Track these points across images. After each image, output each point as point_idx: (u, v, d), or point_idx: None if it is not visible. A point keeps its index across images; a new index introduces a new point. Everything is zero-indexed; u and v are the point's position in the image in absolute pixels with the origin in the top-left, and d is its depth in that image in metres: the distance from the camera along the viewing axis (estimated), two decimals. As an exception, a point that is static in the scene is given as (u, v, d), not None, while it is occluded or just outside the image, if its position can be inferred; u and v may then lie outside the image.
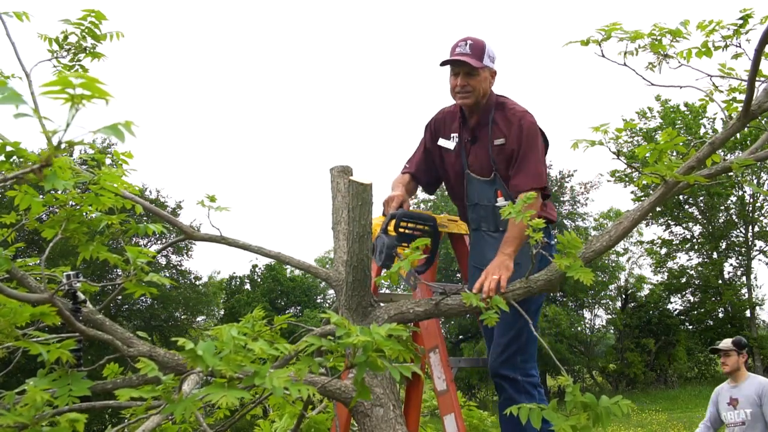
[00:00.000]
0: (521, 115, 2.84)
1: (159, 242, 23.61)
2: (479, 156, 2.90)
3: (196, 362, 1.27)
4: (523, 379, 2.81)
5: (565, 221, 29.50)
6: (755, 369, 26.40)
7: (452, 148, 3.02)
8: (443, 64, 2.85)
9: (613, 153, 2.31)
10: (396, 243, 2.57)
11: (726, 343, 4.92)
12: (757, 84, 2.24)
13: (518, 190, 2.70)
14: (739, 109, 2.32)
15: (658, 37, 2.42)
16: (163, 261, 25.97)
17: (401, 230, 2.54)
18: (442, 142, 3.05)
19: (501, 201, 2.82)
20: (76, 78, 0.98)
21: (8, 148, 1.86)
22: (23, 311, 1.77)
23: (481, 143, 2.91)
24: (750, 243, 27.80)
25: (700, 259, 28.72)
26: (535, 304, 2.82)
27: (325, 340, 1.53)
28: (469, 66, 2.81)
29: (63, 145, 1.03)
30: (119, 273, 2.45)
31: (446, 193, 3.28)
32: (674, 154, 2.34)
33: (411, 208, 2.94)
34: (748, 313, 27.33)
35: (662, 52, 2.45)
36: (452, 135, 3.05)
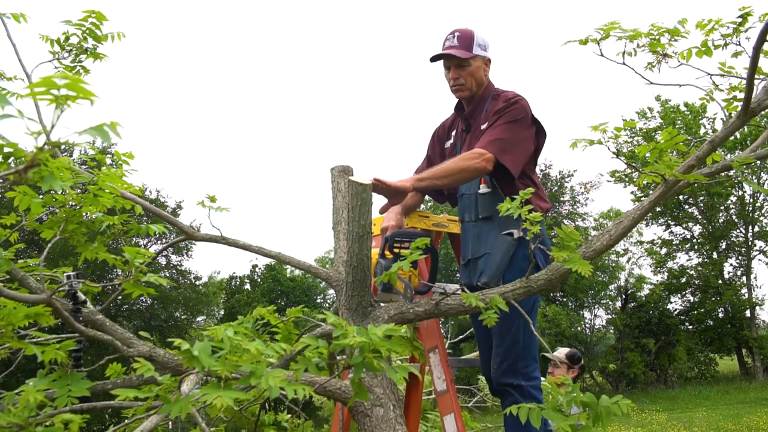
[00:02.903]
0: (510, 95, 2.84)
1: (159, 242, 23.62)
2: (471, 145, 2.89)
3: (192, 363, 1.27)
4: (527, 383, 2.78)
5: (565, 221, 29.50)
6: (755, 369, 26.43)
7: (451, 143, 3.05)
8: (432, 59, 2.86)
9: (613, 153, 2.31)
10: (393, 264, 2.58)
11: (559, 354, 4.74)
12: (756, 82, 2.23)
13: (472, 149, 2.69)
14: (739, 107, 2.32)
15: (656, 37, 2.42)
16: (163, 261, 25.98)
17: (396, 250, 2.55)
18: (446, 144, 3.09)
19: (483, 188, 2.82)
20: (61, 79, 0.98)
21: (6, 149, 1.85)
22: (18, 312, 1.77)
23: (474, 131, 2.91)
24: (750, 243, 27.80)
25: (700, 259, 28.72)
26: (527, 305, 2.75)
27: (322, 340, 1.53)
28: (456, 58, 2.83)
29: (49, 146, 1.03)
30: (119, 273, 2.45)
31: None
32: (674, 153, 2.34)
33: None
34: (748, 313, 27.32)
35: (661, 52, 2.45)
36: (452, 134, 3.08)
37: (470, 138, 2.92)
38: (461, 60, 2.83)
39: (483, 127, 2.83)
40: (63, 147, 1.08)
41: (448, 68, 2.90)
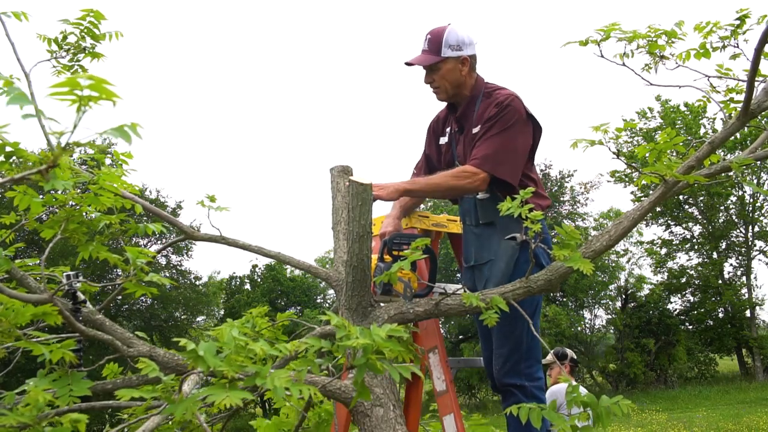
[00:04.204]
0: (501, 99, 2.75)
1: (159, 242, 23.60)
2: (465, 148, 2.87)
3: (197, 363, 1.27)
4: (530, 384, 2.78)
5: (565, 221, 29.49)
6: (755, 369, 26.43)
7: (446, 142, 3.01)
8: (407, 64, 2.83)
9: (613, 153, 2.31)
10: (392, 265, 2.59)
11: (549, 356, 5.12)
12: (756, 83, 2.24)
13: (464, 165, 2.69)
14: (737, 109, 2.32)
15: (654, 39, 2.42)
16: (163, 261, 25.96)
17: (395, 253, 2.55)
18: (441, 140, 3.04)
19: (481, 194, 2.78)
20: (85, 79, 0.97)
21: (8, 149, 1.86)
22: (25, 311, 1.77)
23: (467, 134, 2.87)
24: (750, 243, 27.79)
25: (700, 259, 28.70)
26: (531, 306, 2.75)
27: (325, 341, 1.53)
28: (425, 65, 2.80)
29: (70, 147, 1.03)
30: (119, 273, 2.45)
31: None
32: (674, 153, 2.34)
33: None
34: (748, 313, 27.32)
35: (659, 53, 2.45)
36: (446, 130, 3.03)
37: (464, 140, 2.88)
38: (430, 65, 2.79)
39: (475, 130, 2.79)
40: (69, 147, 1.08)
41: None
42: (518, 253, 2.72)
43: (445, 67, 2.79)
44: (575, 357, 5.26)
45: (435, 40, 2.78)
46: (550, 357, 5.13)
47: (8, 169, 1.97)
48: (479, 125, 2.77)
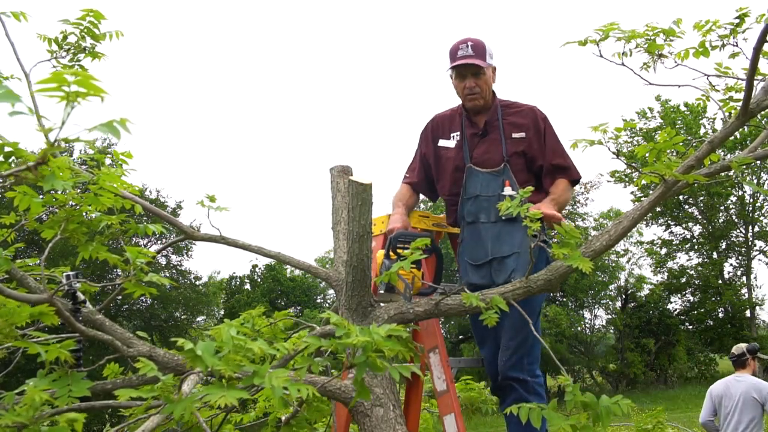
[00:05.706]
0: (533, 108, 3.00)
1: (159, 242, 23.58)
2: (489, 149, 2.95)
3: (196, 362, 1.27)
4: (531, 380, 2.87)
5: (564, 221, 29.42)
6: (755, 369, 26.45)
7: (453, 145, 3.05)
8: (455, 68, 2.92)
9: (613, 153, 2.31)
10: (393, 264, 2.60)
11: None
12: (755, 82, 2.24)
13: (567, 173, 2.94)
14: (737, 108, 2.32)
15: (652, 37, 2.42)
16: (163, 261, 25.93)
17: (399, 250, 2.55)
18: (442, 142, 3.08)
19: (508, 190, 2.86)
20: (71, 75, 0.97)
21: (6, 149, 1.85)
22: (22, 311, 1.77)
23: (493, 137, 2.96)
24: (750, 243, 27.79)
25: (700, 259, 28.71)
26: (538, 305, 2.88)
27: (325, 340, 1.53)
28: (476, 67, 2.90)
29: (59, 143, 1.03)
30: (119, 273, 2.45)
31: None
32: (674, 153, 2.34)
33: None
34: (748, 313, 27.32)
35: (657, 52, 2.45)
36: (452, 134, 3.07)
37: (486, 143, 2.96)
38: (479, 68, 2.91)
39: (516, 135, 2.93)
40: (59, 144, 1.08)
41: (462, 77, 2.94)
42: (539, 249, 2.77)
43: (488, 73, 2.96)
44: (736, 350, 5.62)
45: (479, 48, 2.91)
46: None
47: (7, 168, 1.97)
48: (521, 132, 2.94)
